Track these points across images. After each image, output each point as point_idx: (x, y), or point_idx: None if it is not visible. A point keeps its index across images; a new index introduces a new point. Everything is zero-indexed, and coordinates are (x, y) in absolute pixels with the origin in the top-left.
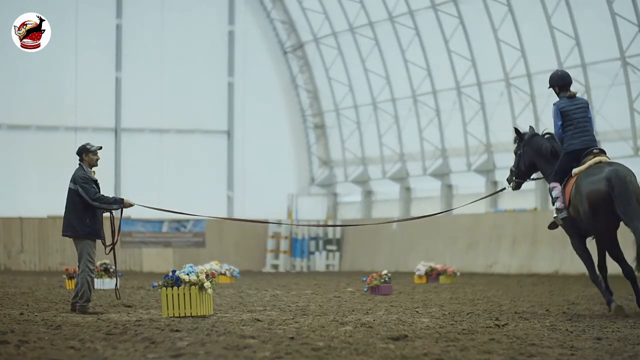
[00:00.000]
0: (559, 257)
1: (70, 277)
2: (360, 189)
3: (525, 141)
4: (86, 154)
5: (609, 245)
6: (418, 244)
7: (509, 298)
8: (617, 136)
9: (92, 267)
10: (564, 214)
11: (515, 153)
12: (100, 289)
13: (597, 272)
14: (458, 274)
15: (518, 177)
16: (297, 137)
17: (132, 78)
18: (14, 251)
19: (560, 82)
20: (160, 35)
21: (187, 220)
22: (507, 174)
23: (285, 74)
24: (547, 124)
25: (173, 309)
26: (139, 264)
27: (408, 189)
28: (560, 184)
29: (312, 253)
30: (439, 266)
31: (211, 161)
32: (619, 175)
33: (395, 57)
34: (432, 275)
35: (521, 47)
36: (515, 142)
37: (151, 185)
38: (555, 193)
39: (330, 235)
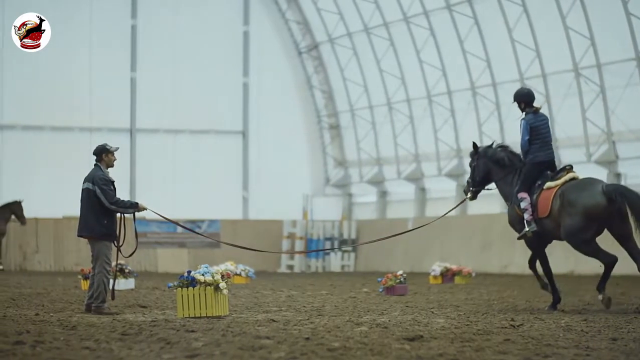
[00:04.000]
0: (574, 257)
1: (86, 278)
2: (375, 189)
3: (479, 154)
4: (106, 154)
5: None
6: (433, 244)
7: (524, 298)
8: (632, 137)
9: (108, 269)
10: (534, 228)
11: (471, 165)
12: (115, 290)
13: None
14: (473, 274)
15: (474, 187)
16: (312, 137)
17: (147, 78)
18: (29, 252)
19: (527, 98)
20: (175, 36)
21: (202, 220)
22: None
23: (300, 75)
24: (562, 124)
25: (188, 309)
26: (154, 265)
27: (423, 190)
28: (528, 195)
29: (328, 254)
30: (454, 267)
31: (226, 162)
32: (622, 188)
33: (410, 58)
34: (447, 275)
35: (536, 48)
36: (470, 155)
37: (166, 185)
38: (524, 204)
39: (345, 236)
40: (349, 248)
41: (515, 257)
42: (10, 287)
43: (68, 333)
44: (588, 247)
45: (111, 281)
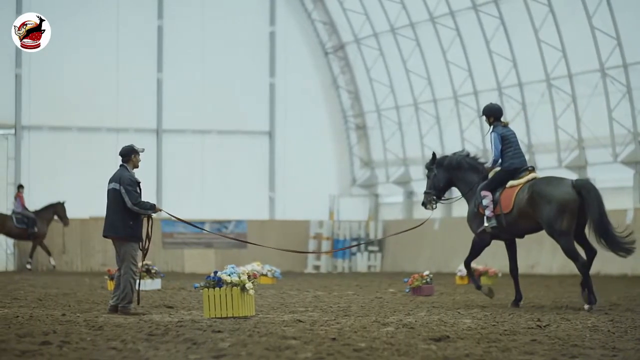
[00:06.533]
0: (601, 258)
1: (112, 278)
2: (401, 189)
3: (437, 163)
4: (134, 155)
5: (569, 242)
6: (459, 245)
7: (551, 299)
8: None
9: (135, 270)
10: (493, 223)
11: (429, 176)
12: (142, 290)
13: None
14: (499, 275)
15: (436, 195)
16: (339, 138)
17: (174, 79)
18: (56, 252)
19: (497, 113)
20: (201, 36)
21: (229, 221)
22: (554, 172)
23: (326, 75)
24: (588, 124)
25: (215, 309)
26: (180, 265)
27: (449, 190)
28: (491, 194)
29: (354, 254)
30: (480, 267)
31: (252, 162)
32: (590, 184)
33: (436, 58)
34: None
35: (562, 48)
36: (427, 166)
37: (192, 186)
38: (486, 202)
39: (372, 236)
40: (376, 247)
41: (541, 257)
42: (37, 287)
43: (95, 333)
44: (566, 239)
45: (155, 283)
